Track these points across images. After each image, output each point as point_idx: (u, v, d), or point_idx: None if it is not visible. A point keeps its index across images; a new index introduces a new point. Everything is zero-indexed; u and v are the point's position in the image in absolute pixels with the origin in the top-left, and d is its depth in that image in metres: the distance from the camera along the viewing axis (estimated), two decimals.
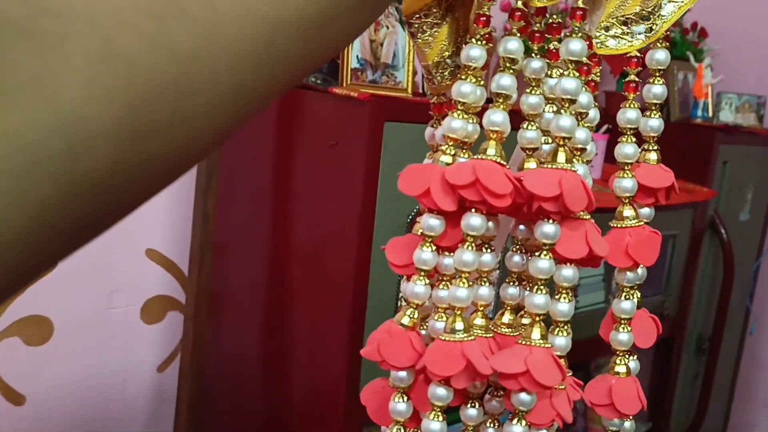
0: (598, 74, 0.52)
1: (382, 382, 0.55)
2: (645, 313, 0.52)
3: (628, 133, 0.50)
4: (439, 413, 0.50)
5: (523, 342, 0.48)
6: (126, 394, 1.61)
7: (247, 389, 1.55)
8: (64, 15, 0.22)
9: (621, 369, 0.52)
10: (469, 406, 0.52)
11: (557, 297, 0.49)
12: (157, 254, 1.60)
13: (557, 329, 0.49)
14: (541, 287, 0.48)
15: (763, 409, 2.59)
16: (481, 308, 0.50)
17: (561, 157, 0.47)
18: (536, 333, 0.48)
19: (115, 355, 1.57)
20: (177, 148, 0.26)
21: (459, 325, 0.49)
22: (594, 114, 0.50)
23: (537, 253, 0.48)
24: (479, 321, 0.50)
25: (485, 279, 0.50)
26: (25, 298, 1.42)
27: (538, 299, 0.48)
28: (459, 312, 0.49)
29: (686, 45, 2.31)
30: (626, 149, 0.51)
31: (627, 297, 0.52)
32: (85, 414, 1.55)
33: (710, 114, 2.24)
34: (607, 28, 0.48)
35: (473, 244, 0.48)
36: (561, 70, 0.47)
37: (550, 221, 0.47)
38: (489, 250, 0.50)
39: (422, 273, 0.50)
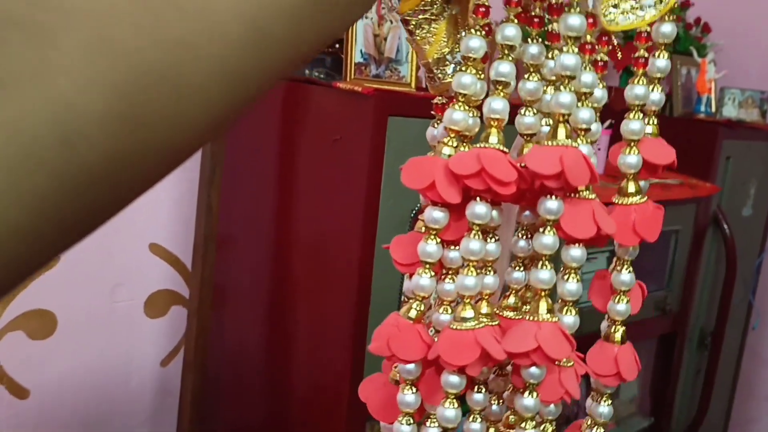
0: (615, 52, 0.52)
1: (381, 378, 0.55)
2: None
3: (636, 109, 0.50)
4: (454, 400, 0.50)
5: (531, 318, 0.48)
6: (129, 387, 1.61)
7: (251, 383, 1.56)
8: (59, 6, 0.23)
9: (619, 337, 0.53)
10: (475, 390, 0.52)
11: (565, 277, 0.49)
12: (160, 249, 1.60)
13: (565, 308, 0.50)
14: (546, 263, 0.48)
15: (764, 405, 2.59)
16: (486, 297, 0.50)
17: (561, 133, 0.47)
18: (543, 308, 0.48)
19: (119, 349, 1.58)
20: (172, 137, 0.26)
21: (469, 313, 0.48)
22: (601, 94, 0.49)
23: (541, 229, 0.48)
24: (485, 309, 0.50)
25: (490, 268, 0.50)
26: (29, 292, 1.43)
27: (544, 274, 0.48)
28: (468, 300, 0.48)
29: (689, 40, 2.30)
30: (633, 125, 0.50)
31: (627, 270, 0.52)
32: (89, 407, 1.55)
33: (713, 109, 2.24)
34: (616, 5, 0.48)
35: (479, 233, 0.48)
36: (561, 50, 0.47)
37: (553, 197, 0.47)
38: (493, 240, 0.50)
39: (427, 266, 0.50)
